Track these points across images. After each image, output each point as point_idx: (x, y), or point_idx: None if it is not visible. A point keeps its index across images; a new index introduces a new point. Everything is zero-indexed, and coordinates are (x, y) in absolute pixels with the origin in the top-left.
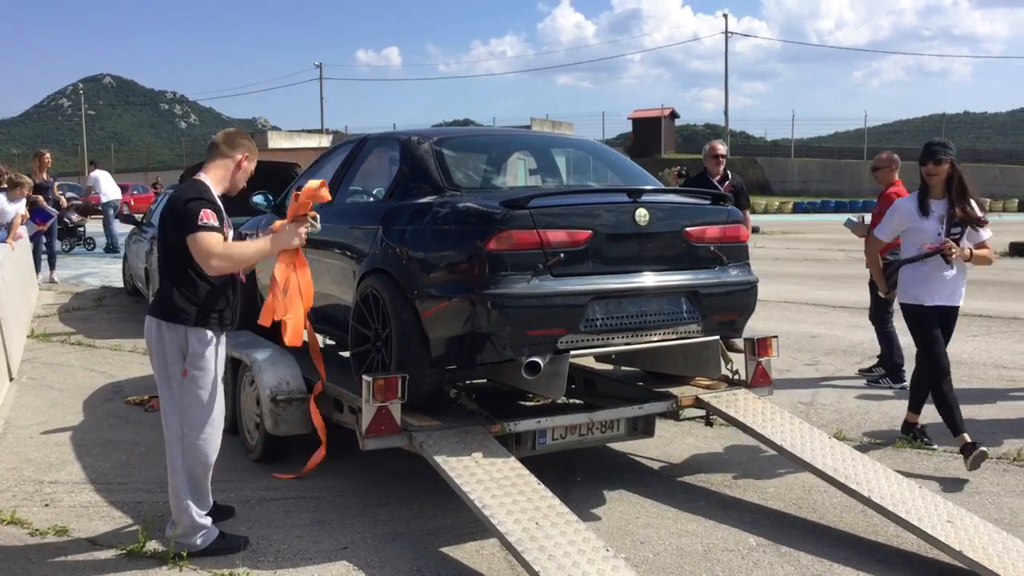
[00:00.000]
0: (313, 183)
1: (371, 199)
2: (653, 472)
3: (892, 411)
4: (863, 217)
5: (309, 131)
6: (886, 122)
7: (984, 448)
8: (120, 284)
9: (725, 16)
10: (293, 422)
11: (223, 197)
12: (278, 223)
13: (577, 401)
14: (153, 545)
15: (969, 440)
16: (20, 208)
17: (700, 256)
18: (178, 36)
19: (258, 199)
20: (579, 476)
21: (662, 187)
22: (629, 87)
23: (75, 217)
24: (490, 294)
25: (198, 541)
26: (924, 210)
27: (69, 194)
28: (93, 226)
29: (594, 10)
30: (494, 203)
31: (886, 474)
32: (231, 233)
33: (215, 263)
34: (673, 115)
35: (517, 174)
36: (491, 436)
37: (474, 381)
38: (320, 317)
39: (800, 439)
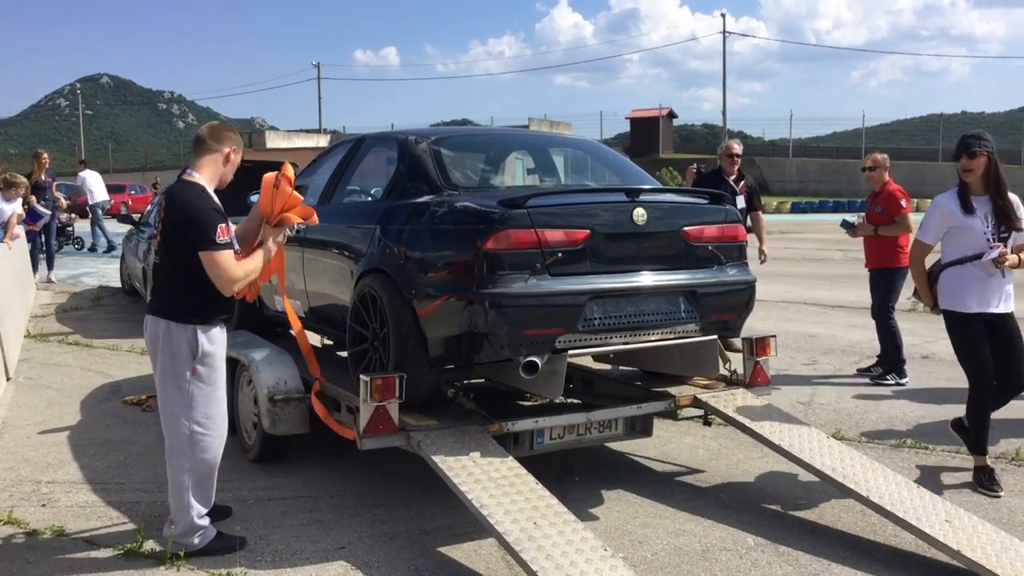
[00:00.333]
0: (289, 171)
1: (369, 199)
2: (651, 472)
3: (890, 411)
4: (860, 217)
5: (307, 131)
6: (884, 122)
7: (998, 487)
8: (117, 284)
9: (723, 16)
10: (291, 422)
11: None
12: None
13: (575, 401)
14: (151, 545)
15: (988, 465)
16: (16, 208)
17: (698, 256)
18: (176, 36)
19: (256, 199)
20: (577, 476)
21: (660, 187)
22: (627, 87)
23: (63, 217)
24: (488, 293)
25: (195, 541)
26: (967, 207)
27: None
28: (82, 226)
29: (592, 10)
30: (492, 202)
31: (884, 474)
32: (232, 229)
33: (236, 287)
34: (671, 115)
35: (515, 174)
36: (489, 436)
37: (472, 381)
38: (318, 317)
39: (798, 439)
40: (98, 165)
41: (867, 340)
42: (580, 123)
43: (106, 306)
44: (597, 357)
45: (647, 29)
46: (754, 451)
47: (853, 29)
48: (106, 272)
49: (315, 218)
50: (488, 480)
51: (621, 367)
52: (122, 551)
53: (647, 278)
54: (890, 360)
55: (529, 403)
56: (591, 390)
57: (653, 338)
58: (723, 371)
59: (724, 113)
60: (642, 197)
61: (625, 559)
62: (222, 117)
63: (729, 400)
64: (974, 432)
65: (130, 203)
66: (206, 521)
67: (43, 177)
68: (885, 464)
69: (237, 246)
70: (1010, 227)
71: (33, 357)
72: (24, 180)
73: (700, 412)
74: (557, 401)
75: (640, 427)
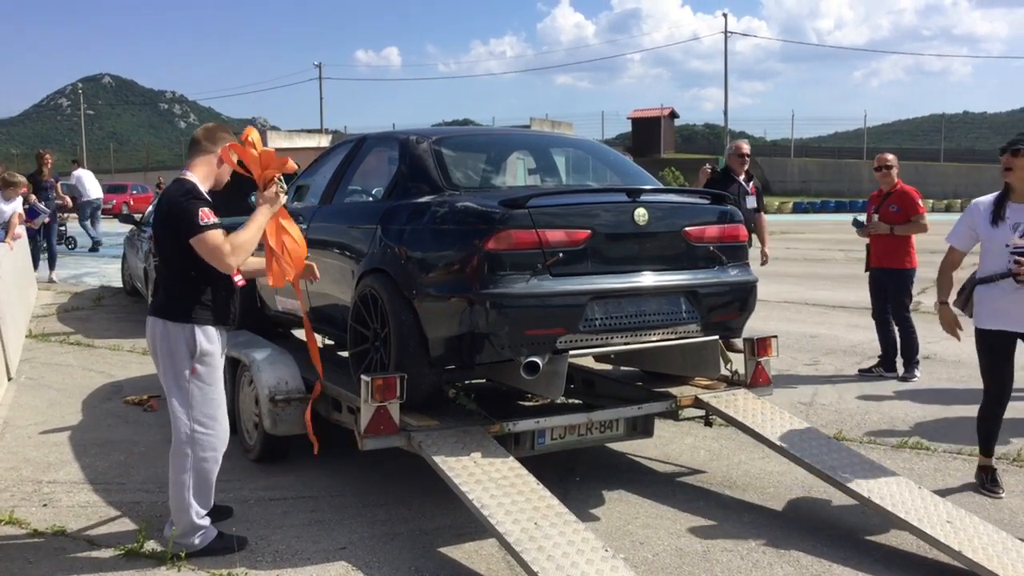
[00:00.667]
0: (253, 135)
1: (370, 199)
2: (652, 472)
3: (892, 411)
4: (874, 218)
5: (308, 131)
6: (886, 122)
7: (1000, 488)
8: (119, 284)
9: (724, 16)
10: (292, 422)
11: (212, 193)
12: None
13: (576, 401)
14: (152, 545)
15: (992, 467)
16: (17, 207)
17: (699, 256)
18: (178, 36)
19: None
20: (578, 476)
21: (661, 187)
22: (628, 87)
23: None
24: (489, 294)
25: (196, 541)
26: (997, 216)
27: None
28: (73, 225)
29: (593, 10)
30: (493, 203)
31: (885, 474)
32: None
33: (231, 261)
34: (672, 115)
35: (516, 174)
36: (490, 436)
37: (473, 381)
38: (319, 317)
39: (799, 439)
40: (99, 165)
41: (868, 341)
42: (581, 123)
43: (107, 306)
44: (598, 357)
45: (649, 29)
46: (755, 452)
47: (855, 29)
48: (107, 272)
49: (291, 164)
50: (489, 480)
51: (622, 367)
52: (123, 551)
53: (648, 278)
54: (914, 353)
55: (530, 403)
56: (592, 390)
57: (654, 338)
58: (724, 371)
59: (726, 113)
60: (643, 197)
61: (626, 560)
62: (224, 117)
63: (730, 401)
64: (981, 436)
65: (132, 203)
66: (206, 521)
67: (48, 178)
68: (886, 465)
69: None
70: None
71: (35, 357)
72: (23, 179)
73: (701, 413)
74: (558, 401)
75: (641, 427)
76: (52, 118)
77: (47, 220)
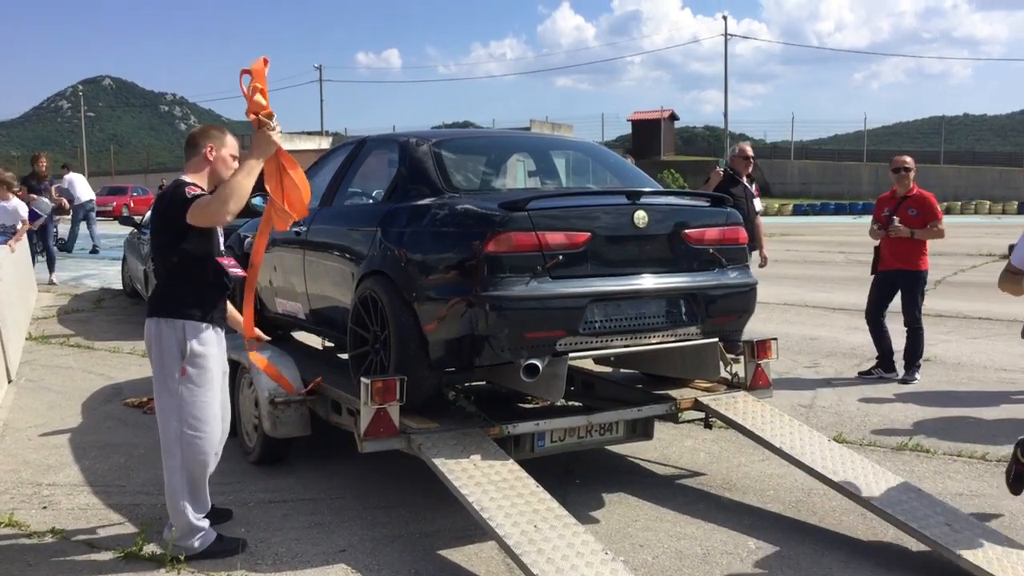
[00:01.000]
0: (256, 66)
1: (370, 201)
2: (652, 475)
3: (892, 414)
4: (894, 220)
5: (309, 133)
6: (886, 124)
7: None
8: (119, 286)
9: (724, 18)
10: (291, 424)
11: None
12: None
13: (576, 403)
14: (151, 548)
15: None
16: (21, 209)
17: (699, 258)
18: (178, 38)
19: (257, 201)
20: (578, 479)
21: (661, 189)
22: (628, 89)
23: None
24: (489, 296)
25: (196, 544)
26: None
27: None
28: (65, 228)
29: (594, 12)
30: (493, 205)
31: (886, 477)
32: (220, 233)
33: (224, 207)
34: (673, 117)
35: (516, 176)
36: (489, 438)
37: (473, 383)
38: (319, 319)
39: (799, 442)
40: (100, 167)
41: (868, 343)
42: (581, 125)
43: (107, 308)
44: (598, 359)
45: (649, 31)
46: (755, 454)
47: (855, 31)
48: (107, 274)
49: (262, 58)
50: (489, 483)
51: (622, 370)
52: (123, 554)
53: (648, 281)
54: (918, 356)
55: (530, 406)
56: (592, 393)
57: (654, 341)
58: (724, 374)
59: (726, 115)
60: (643, 200)
61: (626, 562)
62: (224, 119)
63: (730, 403)
64: None
65: (132, 205)
66: (205, 523)
67: (43, 180)
68: (886, 467)
69: (220, 233)
70: None
71: (35, 359)
72: (10, 179)
73: (701, 415)
74: (558, 404)
75: (641, 430)
76: (52, 120)
77: (43, 221)
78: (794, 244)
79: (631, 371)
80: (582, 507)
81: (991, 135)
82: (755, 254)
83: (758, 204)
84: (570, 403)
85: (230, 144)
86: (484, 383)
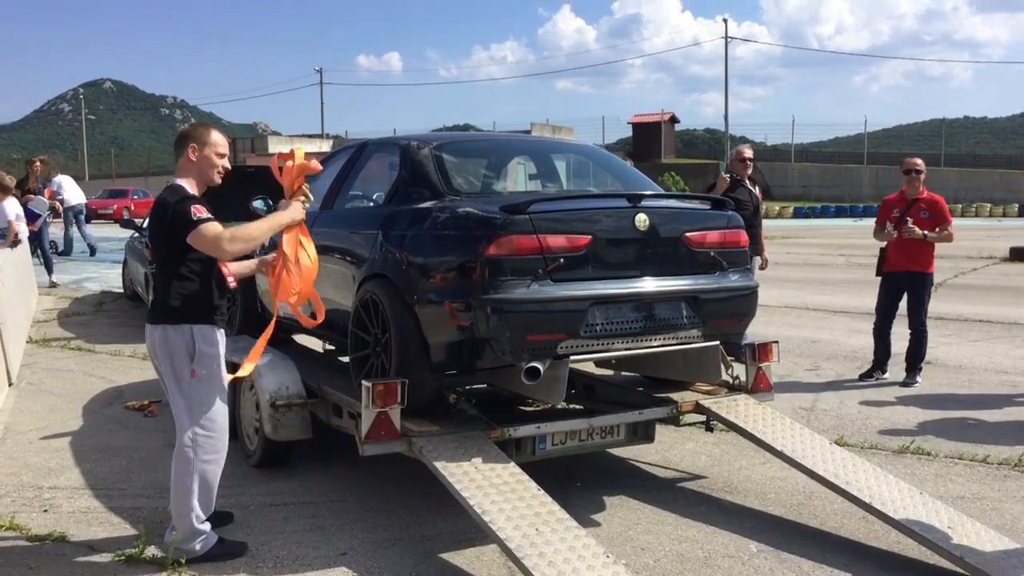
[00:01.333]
0: (299, 153)
1: (371, 204)
2: (653, 478)
3: (893, 417)
4: (907, 221)
5: (309, 136)
6: (886, 127)
7: None
8: (120, 289)
9: (725, 21)
10: (293, 427)
11: (213, 195)
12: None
13: (577, 406)
14: (152, 551)
15: None
16: (15, 208)
17: (700, 261)
18: (179, 42)
19: (258, 204)
20: (579, 482)
21: (662, 192)
22: (629, 92)
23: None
24: (490, 299)
25: (197, 547)
26: None
27: (55, 201)
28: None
29: (594, 15)
30: (494, 208)
31: (887, 480)
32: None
33: (228, 247)
34: (673, 120)
35: (517, 179)
36: (491, 441)
37: (474, 386)
38: (320, 322)
39: (801, 445)
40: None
41: (870, 346)
42: (582, 128)
43: (108, 311)
44: (599, 362)
45: (649, 34)
46: (756, 457)
47: (855, 34)
48: (108, 277)
49: (315, 164)
50: (490, 486)
51: (623, 373)
52: (124, 557)
53: (649, 284)
54: (921, 359)
55: (531, 409)
56: (593, 396)
57: (655, 344)
58: (725, 377)
59: (726, 118)
60: (644, 203)
61: (627, 565)
62: (224, 122)
63: (731, 406)
64: None
65: (133, 208)
66: (207, 527)
67: (35, 184)
68: (888, 470)
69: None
70: None
71: (35, 362)
72: (9, 179)
73: (702, 418)
74: (559, 407)
75: (642, 433)
76: (53, 123)
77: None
78: (795, 247)
79: (632, 374)
80: (583, 510)
81: (991, 138)
82: (756, 258)
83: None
84: (571, 406)
85: (214, 142)
86: (485, 386)
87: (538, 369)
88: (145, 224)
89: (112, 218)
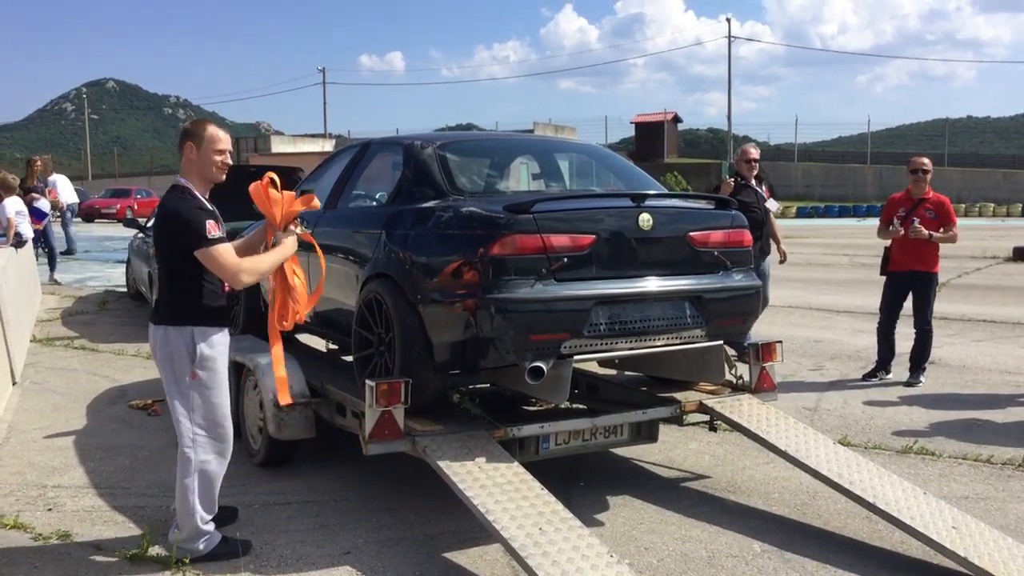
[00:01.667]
0: (290, 194)
1: (374, 203)
2: (657, 477)
3: (896, 416)
4: (914, 221)
5: (312, 135)
6: (889, 127)
7: None
8: (123, 288)
9: (728, 20)
10: (296, 426)
11: (217, 195)
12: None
13: (580, 406)
14: (156, 550)
15: None
16: (15, 208)
17: (704, 261)
18: (182, 41)
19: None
20: (582, 481)
21: (665, 191)
22: (632, 91)
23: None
24: (493, 299)
25: (200, 546)
26: None
27: (58, 198)
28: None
29: (597, 15)
30: (497, 207)
31: (891, 480)
32: (222, 225)
33: (245, 279)
34: (676, 119)
35: (520, 179)
36: (494, 441)
37: (478, 386)
38: (323, 321)
39: (804, 444)
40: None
41: (873, 346)
42: (585, 127)
43: (112, 310)
44: (603, 362)
45: (652, 34)
46: (760, 457)
47: (859, 34)
48: (112, 276)
49: (315, 202)
50: (494, 485)
51: (627, 372)
52: (128, 556)
53: (653, 283)
54: (925, 359)
55: (535, 408)
56: (597, 395)
57: (659, 343)
58: (729, 376)
59: (729, 118)
60: (648, 202)
61: (631, 565)
62: (227, 122)
63: (735, 406)
64: None
65: (136, 207)
66: (211, 526)
67: (36, 183)
68: (891, 470)
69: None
70: None
71: (39, 361)
72: (12, 179)
73: (706, 418)
74: (563, 406)
75: (646, 433)
76: (56, 123)
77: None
78: (798, 247)
79: (636, 374)
80: (587, 510)
81: (995, 137)
82: (767, 257)
83: (773, 205)
84: (575, 406)
85: (212, 138)
86: (488, 385)
87: (542, 369)
88: (148, 224)
89: (115, 217)
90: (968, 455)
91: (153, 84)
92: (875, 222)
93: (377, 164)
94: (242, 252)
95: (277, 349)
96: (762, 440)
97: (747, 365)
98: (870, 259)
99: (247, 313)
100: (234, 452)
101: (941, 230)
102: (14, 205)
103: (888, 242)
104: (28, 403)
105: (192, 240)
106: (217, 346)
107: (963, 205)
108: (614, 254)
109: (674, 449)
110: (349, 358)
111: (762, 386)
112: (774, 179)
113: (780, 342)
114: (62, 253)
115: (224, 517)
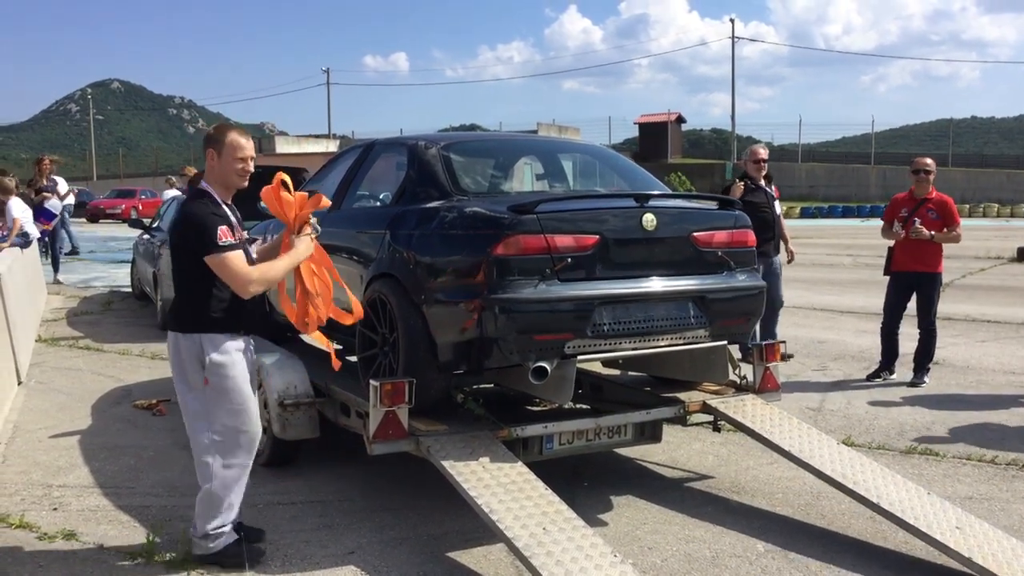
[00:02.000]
0: (302, 195)
1: (378, 204)
2: (660, 478)
3: (900, 417)
4: (915, 221)
5: (316, 136)
6: (893, 127)
7: None
8: (128, 288)
9: (732, 21)
10: (301, 426)
11: (237, 197)
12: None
13: (584, 406)
14: (161, 549)
15: None
16: (18, 211)
17: (707, 261)
18: (186, 42)
19: (264, 206)
20: (586, 481)
21: (669, 192)
22: (636, 92)
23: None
24: (497, 299)
25: (211, 545)
26: None
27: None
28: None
29: (601, 15)
30: (501, 208)
31: (894, 480)
32: (245, 235)
33: (253, 288)
34: (680, 120)
35: (524, 179)
36: (498, 441)
37: (481, 386)
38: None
39: (808, 445)
40: (109, 170)
41: (877, 346)
42: (589, 128)
43: (117, 310)
44: (606, 362)
45: (656, 34)
46: (764, 457)
47: (863, 34)
48: (117, 276)
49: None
50: (497, 485)
51: (630, 372)
52: (132, 555)
53: (656, 283)
54: (929, 359)
55: (538, 408)
56: (600, 395)
57: (662, 343)
58: (733, 377)
59: (733, 118)
60: (651, 202)
61: (634, 565)
62: (232, 122)
63: (739, 406)
64: None
65: (140, 208)
66: (226, 530)
67: (45, 182)
68: (895, 471)
69: (253, 254)
70: None
71: (44, 361)
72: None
73: (709, 418)
74: (566, 406)
75: (649, 433)
76: (61, 123)
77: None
78: (802, 247)
79: (639, 374)
80: (590, 510)
81: (999, 137)
82: (777, 257)
83: (777, 206)
84: (578, 406)
85: (233, 145)
86: (492, 385)
87: (545, 369)
88: (153, 224)
89: (120, 218)
90: (972, 455)
91: (158, 85)
92: (879, 222)
93: (381, 164)
94: (262, 259)
95: (316, 335)
96: (766, 440)
97: (751, 365)
98: (874, 259)
99: (250, 313)
100: None
101: (944, 230)
102: (19, 206)
103: (891, 242)
104: (33, 403)
105: (202, 245)
106: (231, 352)
107: (967, 205)
108: (618, 254)
109: (678, 449)
110: (353, 358)
111: (766, 386)
112: (778, 179)
113: (784, 342)
114: (67, 253)
115: (249, 536)
